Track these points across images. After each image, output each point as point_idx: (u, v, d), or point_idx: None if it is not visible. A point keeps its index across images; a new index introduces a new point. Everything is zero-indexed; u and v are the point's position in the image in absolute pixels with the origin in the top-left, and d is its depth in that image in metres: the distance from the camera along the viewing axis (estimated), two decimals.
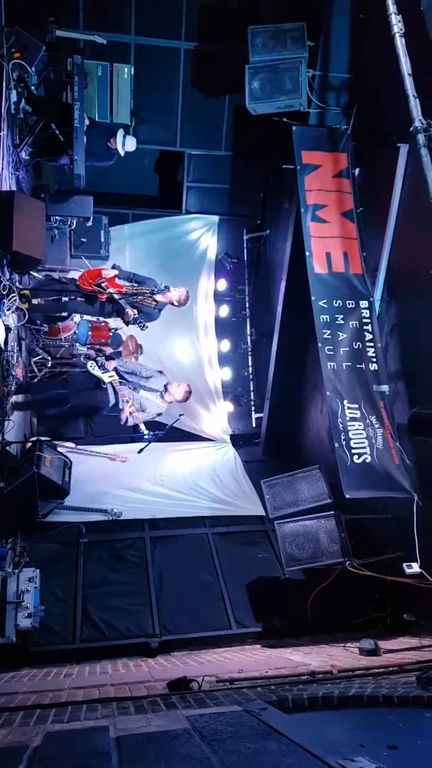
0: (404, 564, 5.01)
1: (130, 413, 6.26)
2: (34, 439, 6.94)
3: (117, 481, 7.34)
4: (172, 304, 6.70)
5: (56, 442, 7.02)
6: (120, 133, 7.18)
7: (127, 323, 6.61)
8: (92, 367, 6.40)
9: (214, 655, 5.52)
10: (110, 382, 6.32)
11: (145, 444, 6.33)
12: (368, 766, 2.10)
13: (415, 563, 4.97)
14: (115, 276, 6.56)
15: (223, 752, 2.26)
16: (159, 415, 6.68)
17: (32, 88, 6.33)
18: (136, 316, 6.39)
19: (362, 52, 6.59)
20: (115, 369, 6.41)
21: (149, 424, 6.62)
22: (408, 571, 4.97)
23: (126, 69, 7.38)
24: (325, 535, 5.63)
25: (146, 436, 6.23)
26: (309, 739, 2.33)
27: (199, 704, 3.25)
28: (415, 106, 4.88)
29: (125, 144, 7.23)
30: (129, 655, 5.64)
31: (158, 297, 6.58)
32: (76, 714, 3.24)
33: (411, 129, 4.86)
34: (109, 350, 7.13)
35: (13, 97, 6.06)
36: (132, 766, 2.16)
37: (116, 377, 6.35)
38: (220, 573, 6.52)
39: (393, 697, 3.21)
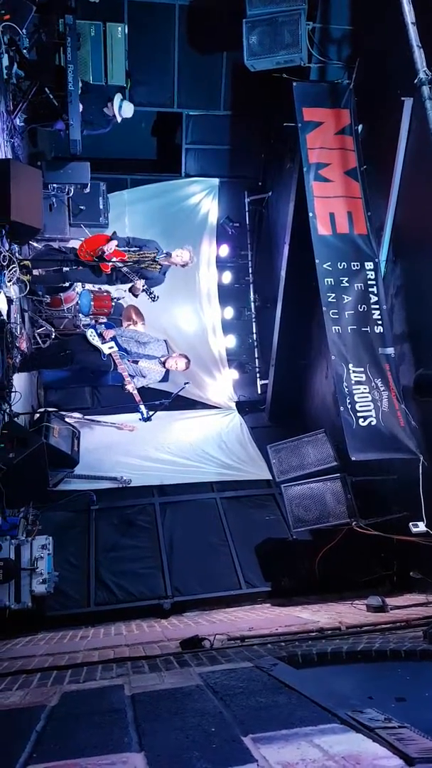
0: (410, 523, 5.07)
1: (130, 390, 6.25)
2: (41, 410, 6.98)
3: (125, 449, 7.41)
4: (176, 265, 6.61)
5: (64, 413, 7.06)
6: (117, 97, 6.93)
7: (136, 295, 6.53)
8: (92, 337, 6.37)
9: (225, 614, 5.65)
10: (110, 354, 6.31)
11: (147, 417, 6.33)
12: (377, 717, 2.15)
13: (421, 522, 5.03)
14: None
15: (235, 707, 2.32)
16: (161, 381, 6.69)
17: (24, 51, 6.15)
18: (145, 287, 6.29)
19: (364, 2, 6.33)
20: (114, 338, 6.37)
21: (156, 392, 6.62)
22: (414, 530, 5.03)
23: (120, 28, 7.11)
24: (332, 497, 5.68)
25: (144, 416, 6.22)
26: (318, 693, 2.39)
27: (211, 662, 3.32)
28: (419, 56, 4.72)
29: (122, 109, 7.00)
30: (142, 617, 5.79)
31: (162, 260, 6.49)
32: (91, 674, 3.32)
33: (415, 81, 4.72)
34: (104, 319, 7.05)
35: (5, 61, 5.90)
36: (147, 723, 2.23)
37: (116, 348, 6.32)
38: (229, 536, 6.63)
39: (400, 651, 3.29)
